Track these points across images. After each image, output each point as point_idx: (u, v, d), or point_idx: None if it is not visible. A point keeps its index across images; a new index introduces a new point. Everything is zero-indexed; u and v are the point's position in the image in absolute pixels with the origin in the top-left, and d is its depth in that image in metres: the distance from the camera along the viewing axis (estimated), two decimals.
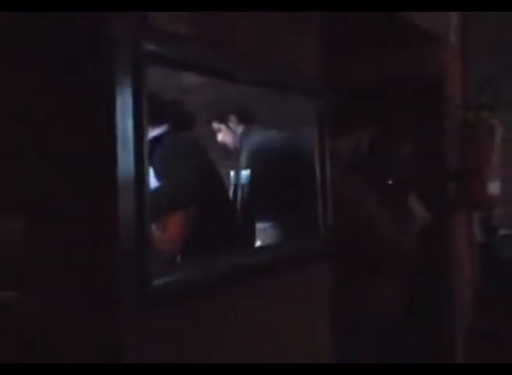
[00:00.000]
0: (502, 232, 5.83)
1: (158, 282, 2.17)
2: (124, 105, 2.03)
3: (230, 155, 3.60)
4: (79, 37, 2.05)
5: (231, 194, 3.50)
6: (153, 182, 2.35)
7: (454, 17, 4.91)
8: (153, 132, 2.35)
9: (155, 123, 2.56)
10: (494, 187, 5.12)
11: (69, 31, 2.06)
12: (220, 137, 3.56)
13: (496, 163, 5.14)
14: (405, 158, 4.47)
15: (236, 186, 3.55)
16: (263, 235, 3.59)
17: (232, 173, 3.58)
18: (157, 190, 2.61)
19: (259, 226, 3.52)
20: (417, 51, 4.59)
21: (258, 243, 3.50)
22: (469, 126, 4.94)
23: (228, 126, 3.55)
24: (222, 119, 3.52)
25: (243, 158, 3.54)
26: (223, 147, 3.60)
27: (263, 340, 2.79)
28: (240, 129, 3.55)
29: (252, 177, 3.59)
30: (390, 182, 4.33)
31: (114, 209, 2.02)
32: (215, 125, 3.52)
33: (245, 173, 3.59)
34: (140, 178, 2.09)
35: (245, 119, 3.54)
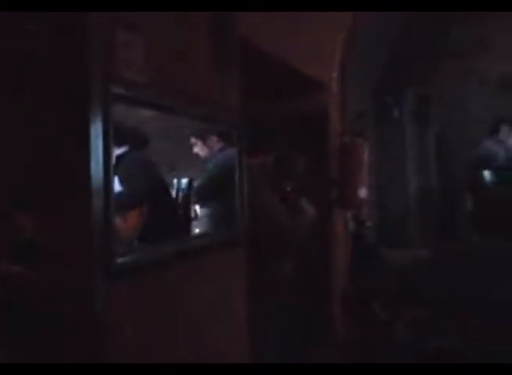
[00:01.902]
0: (368, 224, 5.95)
1: (120, 260, 2.18)
2: (96, 131, 2.04)
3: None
4: (65, 84, 2.06)
5: (174, 195, 3.51)
6: (117, 187, 2.36)
7: (335, 69, 4.95)
8: (117, 151, 2.36)
9: (119, 144, 2.57)
10: (362, 193, 5.23)
11: (57, 79, 2.07)
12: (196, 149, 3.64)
13: (364, 175, 5.25)
14: (299, 172, 4.54)
15: (178, 190, 3.56)
16: (197, 226, 3.62)
17: (175, 181, 3.59)
18: (120, 193, 2.61)
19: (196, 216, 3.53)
20: (310, 94, 4.61)
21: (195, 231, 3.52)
22: (346, 148, 4.97)
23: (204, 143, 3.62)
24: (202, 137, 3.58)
25: (211, 165, 3.59)
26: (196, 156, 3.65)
27: (199, 305, 2.77)
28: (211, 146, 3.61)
29: (190, 183, 3.62)
30: (289, 188, 4.38)
31: (88, 207, 2.03)
32: (193, 140, 3.55)
33: (184, 181, 3.61)
34: (108, 184, 2.10)
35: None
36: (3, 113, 2.10)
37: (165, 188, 3.45)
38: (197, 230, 3.63)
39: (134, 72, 2.32)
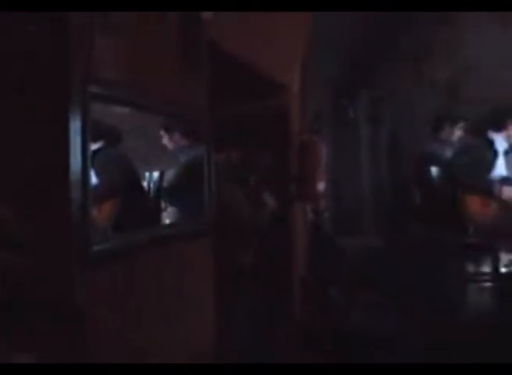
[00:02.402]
0: (325, 215, 6.02)
1: (96, 248, 2.18)
2: (75, 128, 2.05)
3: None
4: (46, 83, 2.06)
5: (146, 187, 3.52)
6: (94, 180, 2.36)
7: (296, 71, 4.98)
8: (93, 146, 2.37)
9: (94, 140, 2.58)
10: (320, 187, 5.28)
11: (38, 78, 2.07)
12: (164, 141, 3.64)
13: (321, 170, 5.31)
14: (262, 167, 4.58)
15: (149, 182, 3.56)
16: (167, 217, 3.62)
17: (147, 174, 3.59)
18: (96, 185, 2.62)
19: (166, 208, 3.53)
20: (272, 95, 4.62)
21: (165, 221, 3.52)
22: (304, 145, 4.99)
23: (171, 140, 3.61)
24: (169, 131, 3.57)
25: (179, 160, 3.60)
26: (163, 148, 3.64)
27: (169, 290, 2.77)
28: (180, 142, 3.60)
29: (161, 176, 3.63)
30: (252, 182, 4.42)
31: (68, 198, 2.03)
32: (161, 132, 3.55)
33: (155, 174, 3.62)
34: (85, 177, 2.11)
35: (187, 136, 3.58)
36: None
37: (138, 181, 3.45)
38: (166, 221, 3.63)
39: (110, 72, 2.33)
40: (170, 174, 3.70)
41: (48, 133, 2.05)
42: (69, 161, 2.02)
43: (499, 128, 4.76)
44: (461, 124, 5.68)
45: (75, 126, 2.05)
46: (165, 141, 3.65)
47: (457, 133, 5.69)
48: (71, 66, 2.07)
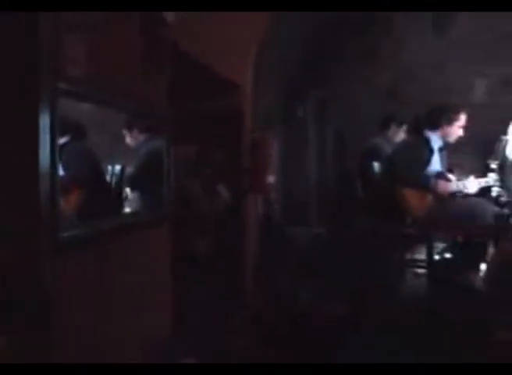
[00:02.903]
0: (275, 206, 6.07)
1: (63, 234, 2.20)
2: (44, 123, 2.05)
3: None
4: (16, 80, 2.05)
5: (108, 179, 3.50)
6: (61, 172, 2.35)
7: (249, 72, 5.01)
8: (61, 140, 2.36)
9: (62, 134, 2.56)
10: (270, 179, 5.34)
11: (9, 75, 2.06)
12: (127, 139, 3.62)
13: (272, 165, 5.36)
14: (217, 162, 4.61)
15: (112, 175, 3.54)
16: (128, 206, 3.61)
17: (110, 167, 3.57)
18: (63, 177, 2.61)
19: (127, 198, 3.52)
20: (226, 94, 4.64)
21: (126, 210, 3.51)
22: (256, 142, 5.01)
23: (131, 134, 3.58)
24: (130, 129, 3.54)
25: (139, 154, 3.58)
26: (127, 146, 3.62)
27: (130, 276, 2.79)
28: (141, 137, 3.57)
29: (122, 169, 3.61)
30: (208, 176, 4.46)
31: (37, 189, 2.04)
32: (124, 131, 3.52)
33: (118, 167, 3.60)
34: (53, 169, 2.12)
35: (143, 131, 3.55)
36: None
37: (101, 173, 3.43)
38: (127, 210, 3.62)
39: (77, 69, 2.33)
40: (132, 167, 3.69)
41: (18, 128, 2.05)
42: (38, 154, 2.02)
43: (434, 128, 4.84)
44: (406, 125, 5.82)
45: (44, 121, 2.05)
46: (127, 139, 3.64)
47: (402, 132, 5.83)
48: (40, 64, 2.06)
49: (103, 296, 2.52)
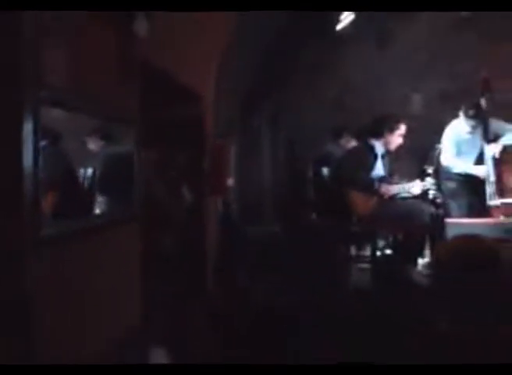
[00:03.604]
0: (233, 207, 6.09)
1: (42, 232, 2.19)
2: (27, 128, 2.05)
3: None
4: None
5: (81, 181, 3.45)
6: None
7: (211, 82, 5.03)
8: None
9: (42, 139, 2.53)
10: (229, 182, 5.36)
11: None
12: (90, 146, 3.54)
13: (230, 169, 5.39)
14: (181, 165, 4.61)
15: (83, 178, 3.50)
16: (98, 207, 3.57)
17: (82, 170, 3.52)
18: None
19: (98, 199, 3.47)
20: (189, 102, 4.63)
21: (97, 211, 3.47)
22: (216, 148, 5.03)
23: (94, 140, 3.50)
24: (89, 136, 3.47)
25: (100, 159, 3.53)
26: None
27: (102, 269, 2.79)
28: (100, 143, 3.50)
29: (94, 172, 3.56)
30: (172, 178, 4.45)
31: (20, 188, 2.03)
32: (87, 138, 3.46)
33: (90, 170, 3.55)
34: (35, 171, 2.11)
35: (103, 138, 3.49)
36: None
37: (74, 176, 3.39)
38: (97, 211, 3.57)
39: (57, 79, 2.32)
40: (102, 170, 3.63)
41: (4, 134, 2.03)
42: (22, 155, 2.02)
43: (377, 136, 4.94)
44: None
45: (27, 127, 2.04)
46: (90, 144, 3.56)
47: (353, 141, 5.93)
48: (24, 74, 2.06)
49: (78, 293, 2.51)
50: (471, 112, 5.15)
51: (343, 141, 6.05)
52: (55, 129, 2.84)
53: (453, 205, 5.28)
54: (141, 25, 2.72)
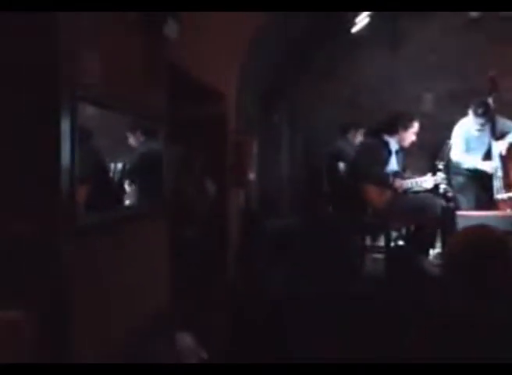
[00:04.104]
0: (253, 200, 6.09)
1: (79, 223, 2.21)
2: (66, 125, 2.07)
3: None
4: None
5: (111, 175, 3.47)
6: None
7: (234, 83, 5.02)
8: None
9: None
10: (250, 176, 5.36)
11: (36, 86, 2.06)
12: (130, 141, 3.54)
13: (251, 163, 5.38)
14: (205, 160, 4.62)
15: (114, 171, 3.51)
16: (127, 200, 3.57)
17: (112, 165, 3.53)
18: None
19: (129, 192, 3.47)
20: (214, 100, 4.64)
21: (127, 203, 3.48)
22: (239, 143, 5.04)
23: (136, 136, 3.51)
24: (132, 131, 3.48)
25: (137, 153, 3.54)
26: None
27: (132, 259, 2.82)
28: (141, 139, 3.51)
29: (124, 167, 3.57)
30: (197, 173, 4.46)
31: (58, 181, 2.04)
32: (127, 133, 3.47)
33: (119, 165, 3.56)
34: (72, 165, 2.12)
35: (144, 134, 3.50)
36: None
37: (105, 170, 3.40)
38: (127, 203, 3.58)
39: (93, 79, 2.33)
40: (136, 165, 3.63)
41: (44, 130, 2.04)
42: (60, 149, 2.03)
43: (392, 133, 4.91)
44: (363, 129, 5.90)
45: (65, 124, 2.06)
46: (131, 140, 3.57)
47: (359, 136, 5.91)
48: (62, 75, 2.07)
49: (111, 281, 2.53)
50: (479, 110, 5.08)
51: (350, 136, 6.03)
52: (88, 126, 2.87)
53: (462, 199, 5.23)
54: (172, 27, 2.71)
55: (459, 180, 5.34)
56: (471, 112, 5.21)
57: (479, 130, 5.21)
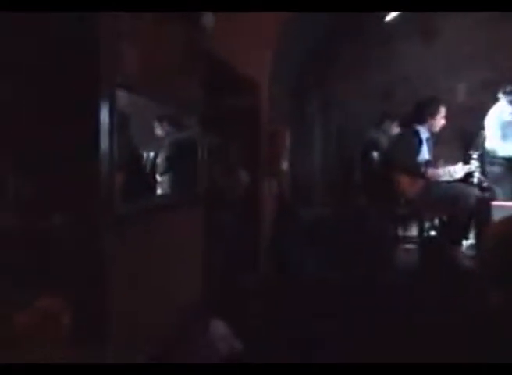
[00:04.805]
0: (287, 189, 6.03)
1: (117, 212, 2.18)
2: (105, 109, 2.03)
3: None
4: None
5: (144, 163, 3.44)
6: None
7: (267, 74, 4.95)
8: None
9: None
10: (284, 165, 5.31)
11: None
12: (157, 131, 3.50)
13: (284, 153, 5.32)
14: (239, 150, 4.58)
15: (146, 161, 3.49)
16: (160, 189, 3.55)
17: (145, 154, 3.50)
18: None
19: (164, 181, 3.45)
20: (249, 92, 4.59)
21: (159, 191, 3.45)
22: (272, 133, 4.98)
23: (163, 127, 3.47)
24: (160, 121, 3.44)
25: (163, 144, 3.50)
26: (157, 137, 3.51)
27: (169, 245, 2.79)
28: (167, 129, 3.47)
29: (156, 155, 3.54)
30: (231, 162, 4.43)
31: (98, 170, 2.00)
32: (155, 123, 3.43)
33: (151, 154, 3.54)
34: (111, 152, 2.08)
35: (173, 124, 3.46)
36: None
37: (138, 159, 3.38)
38: (163, 192, 3.55)
39: (131, 69, 2.29)
40: (160, 155, 3.59)
41: (85, 118, 2.00)
42: (99, 136, 1.99)
43: (421, 121, 4.76)
44: (397, 120, 5.77)
45: (104, 112, 2.02)
46: (158, 130, 3.54)
47: (395, 126, 5.77)
48: (104, 64, 2.03)
49: (149, 267, 2.51)
50: (508, 88, 4.90)
51: (385, 127, 5.89)
52: (125, 113, 2.83)
53: (497, 189, 5.05)
54: (209, 19, 2.64)
55: (494, 169, 5.15)
56: (501, 95, 5.04)
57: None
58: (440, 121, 4.72)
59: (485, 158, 5.14)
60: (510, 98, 4.98)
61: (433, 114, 4.70)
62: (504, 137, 5.09)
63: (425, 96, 4.98)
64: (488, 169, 5.10)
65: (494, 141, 5.10)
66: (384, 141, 5.44)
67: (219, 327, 2.93)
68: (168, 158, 3.64)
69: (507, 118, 5.06)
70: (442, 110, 4.72)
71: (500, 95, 5.04)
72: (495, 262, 1.81)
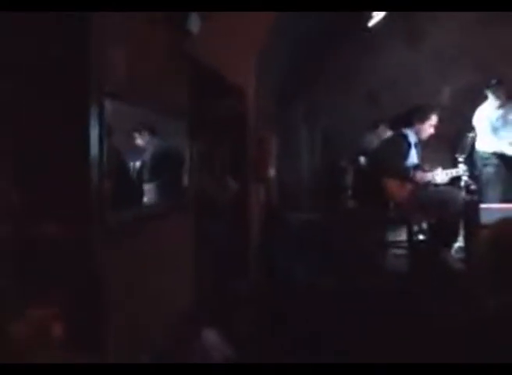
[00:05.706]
0: (274, 194, 6.04)
1: (108, 218, 2.19)
2: (94, 118, 2.05)
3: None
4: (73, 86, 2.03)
5: (131, 173, 3.43)
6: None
7: (253, 81, 4.99)
8: None
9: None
10: (270, 171, 5.33)
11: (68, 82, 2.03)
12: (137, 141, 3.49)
13: (271, 159, 5.34)
14: (225, 156, 4.60)
15: (133, 168, 3.48)
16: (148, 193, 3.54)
17: (131, 163, 3.49)
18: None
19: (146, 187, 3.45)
20: (235, 99, 4.61)
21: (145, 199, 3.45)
22: (260, 139, 5.00)
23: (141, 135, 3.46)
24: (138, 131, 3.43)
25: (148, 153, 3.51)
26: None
27: (159, 252, 2.81)
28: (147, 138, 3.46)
29: (142, 164, 3.54)
30: (218, 169, 4.45)
31: (88, 174, 2.03)
32: (135, 133, 3.43)
33: (138, 163, 3.53)
34: (101, 157, 2.10)
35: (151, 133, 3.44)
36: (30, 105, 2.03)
37: (126, 169, 3.37)
38: (149, 200, 3.54)
39: (118, 77, 2.31)
40: (154, 162, 3.58)
41: (70, 123, 2.03)
42: (89, 144, 2.01)
43: (409, 125, 4.83)
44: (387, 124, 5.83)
45: (94, 116, 2.04)
46: (138, 140, 3.51)
47: (389, 131, 5.81)
48: (92, 73, 2.05)
49: (140, 274, 2.52)
50: (496, 87, 5.01)
51: (379, 131, 5.96)
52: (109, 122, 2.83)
53: (489, 191, 5.13)
54: (195, 23, 2.67)
55: (488, 170, 5.24)
56: (489, 93, 5.14)
57: (500, 107, 5.15)
58: (428, 128, 4.76)
59: (477, 160, 5.23)
60: (496, 91, 5.07)
61: (422, 119, 4.75)
62: (494, 130, 5.19)
63: (419, 102, 5.08)
64: (482, 171, 5.19)
65: (485, 137, 5.18)
66: (372, 145, 5.49)
67: (211, 336, 2.95)
68: (154, 167, 3.65)
69: (495, 112, 5.16)
70: (433, 118, 4.76)
71: (487, 91, 5.14)
72: (488, 266, 1.85)
